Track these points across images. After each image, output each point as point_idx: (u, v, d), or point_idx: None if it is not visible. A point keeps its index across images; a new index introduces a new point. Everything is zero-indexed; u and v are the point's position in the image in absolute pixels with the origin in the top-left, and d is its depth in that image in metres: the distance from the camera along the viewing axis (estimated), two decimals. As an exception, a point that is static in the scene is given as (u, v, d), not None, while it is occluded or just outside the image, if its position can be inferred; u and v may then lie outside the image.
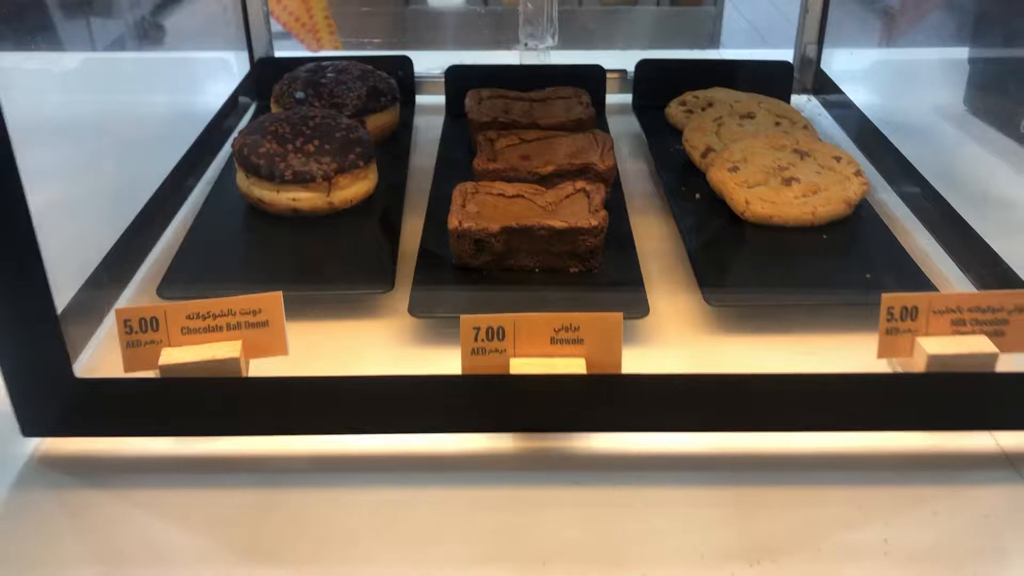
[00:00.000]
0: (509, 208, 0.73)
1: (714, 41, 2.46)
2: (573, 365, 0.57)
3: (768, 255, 0.74)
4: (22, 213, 0.52)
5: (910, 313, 0.59)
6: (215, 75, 1.09)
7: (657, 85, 1.01)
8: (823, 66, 1.10)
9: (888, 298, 0.59)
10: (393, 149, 0.92)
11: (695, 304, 0.71)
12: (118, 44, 1.26)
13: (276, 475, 0.58)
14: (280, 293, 0.59)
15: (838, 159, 0.82)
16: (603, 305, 0.68)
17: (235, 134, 0.98)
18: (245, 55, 1.08)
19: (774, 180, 0.80)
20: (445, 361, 0.61)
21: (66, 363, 0.57)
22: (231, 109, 1.01)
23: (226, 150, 0.95)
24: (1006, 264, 0.70)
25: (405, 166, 0.90)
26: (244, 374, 0.59)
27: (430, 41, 2.18)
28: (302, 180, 0.76)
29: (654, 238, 0.81)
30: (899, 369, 0.61)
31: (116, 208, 0.79)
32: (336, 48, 1.30)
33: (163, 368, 0.58)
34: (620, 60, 1.08)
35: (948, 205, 0.80)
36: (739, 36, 2.68)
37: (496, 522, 0.54)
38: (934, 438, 0.60)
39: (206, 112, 0.98)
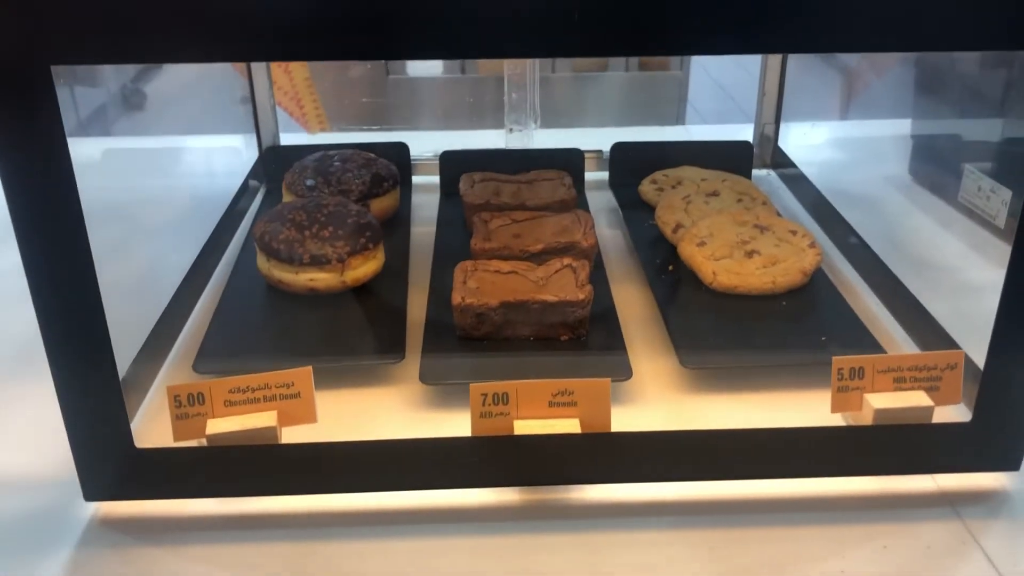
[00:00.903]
0: (505, 283, 0.82)
1: (682, 102, 2.59)
2: (569, 425, 0.66)
3: (734, 321, 0.84)
4: (93, 294, 0.61)
5: (858, 373, 0.69)
6: (227, 160, 1.19)
7: (630, 164, 1.12)
8: (781, 142, 1.21)
9: (839, 360, 0.68)
10: (396, 228, 1.02)
11: (672, 365, 0.80)
12: (140, 130, 1.34)
13: (310, 529, 0.66)
14: (310, 368, 0.68)
15: (794, 232, 0.92)
16: (592, 369, 0.77)
17: (249, 216, 1.08)
18: (253, 139, 1.18)
19: (738, 253, 0.89)
20: (454, 422, 0.69)
21: (127, 434, 0.65)
22: (243, 193, 1.10)
23: (242, 230, 1.04)
24: (939, 325, 0.80)
25: (407, 243, 0.99)
26: (279, 441, 0.67)
27: (415, 115, 2.28)
28: (318, 263, 0.85)
29: (634, 305, 0.90)
30: (851, 422, 0.71)
31: (151, 288, 0.88)
32: (324, 129, 1.41)
33: (209, 437, 0.66)
34: (597, 139, 1.19)
35: (890, 272, 0.90)
36: (706, 96, 2.81)
37: (504, 564, 0.62)
38: (882, 481, 0.69)
39: (221, 194, 1.08)
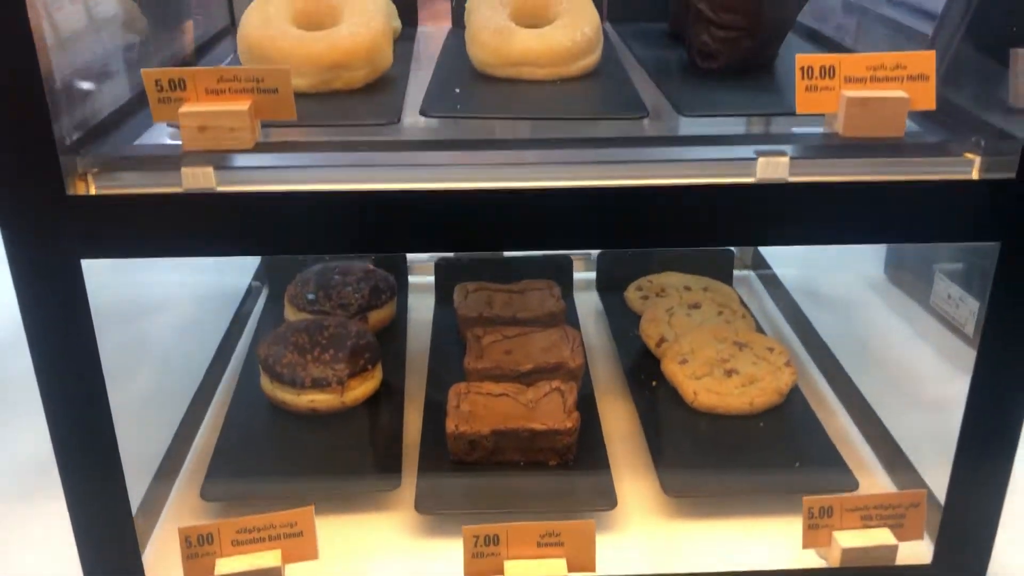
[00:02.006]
0: (496, 407, 0.87)
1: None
2: (556, 566, 0.70)
3: (714, 442, 0.88)
4: (108, 432, 0.66)
5: (827, 511, 0.73)
6: (232, 262, 1.23)
7: (617, 269, 1.17)
8: (760, 247, 1.26)
9: (808, 500, 0.73)
10: (393, 336, 1.06)
11: (655, 488, 0.84)
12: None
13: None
14: (311, 508, 0.72)
15: (771, 349, 0.97)
16: (578, 497, 0.82)
17: (253, 319, 1.13)
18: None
19: (718, 371, 0.94)
20: (449, 549, 0.74)
21: (140, 572, 0.69)
22: (248, 295, 1.16)
23: (246, 337, 1.09)
24: (905, 455, 0.85)
25: (404, 354, 1.04)
26: (284, 577, 0.72)
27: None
28: (319, 385, 0.89)
29: (619, 421, 0.95)
30: (822, 556, 0.75)
31: (162, 407, 0.93)
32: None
33: (218, 577, 0.70)
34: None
35: (860, 394, 0.95)
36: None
37: None
38: (851, 615, 0.73)
39: (227, 296, 1.13)
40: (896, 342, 1.11)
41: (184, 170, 0.63)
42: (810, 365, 1.05)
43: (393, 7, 0.97)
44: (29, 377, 0.64)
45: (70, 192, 0.60)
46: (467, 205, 0.63)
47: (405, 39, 0.96)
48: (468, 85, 0.77)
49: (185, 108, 0.63)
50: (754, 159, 0.65)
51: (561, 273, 1.15)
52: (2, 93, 0.57)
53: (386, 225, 0.64)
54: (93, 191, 0.63)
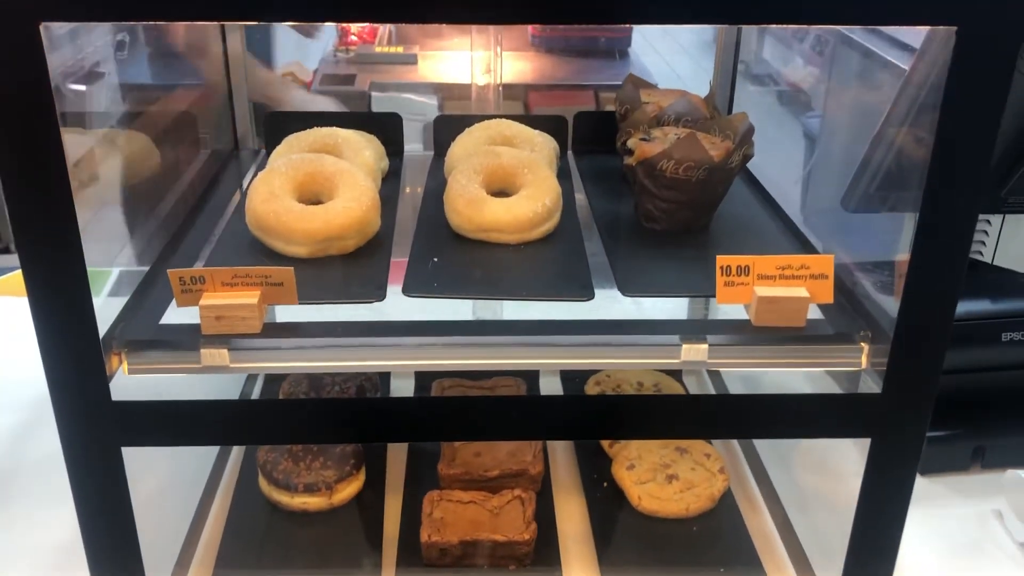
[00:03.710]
0: (464, 514, 1.01)
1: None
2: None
3: (653, 549, 1.01)
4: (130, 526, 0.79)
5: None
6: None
7: (579, 365, 1.30)
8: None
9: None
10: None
11: (600, 592, 0.98)
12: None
13: None
14: (306, 617, 0.86)
15: (708, 456, 1.11)
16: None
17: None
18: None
19: (660, 476, 1.08)
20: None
21: None
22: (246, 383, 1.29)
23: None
24: (807, 559, 1.00)
25: (385, 450, 1.17)
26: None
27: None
28: (310, 490, 1.02)
29: (572, 520, 1.08)
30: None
31: (174, 500, 1.06)
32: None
33: None
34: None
35: (776, 495, 1.09)
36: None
37: None
38: None
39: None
40: (823, 444, 1.25)
41: (203, 351, 0.76)
42: (743, 464, 1.19)
43: (381, 149, 1.10)
44: (56, 457, 0.75)
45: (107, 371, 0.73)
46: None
47: (392, 175, 1.09)
48: (445, 251, 0.90)
49: (204, 301, 0.76)
50: (679, 345, 0.79)
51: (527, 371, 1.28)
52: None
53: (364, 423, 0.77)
54: (125, 368, 0.76)
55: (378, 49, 2.37)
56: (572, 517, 1.09)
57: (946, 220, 0.69)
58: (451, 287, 0.85)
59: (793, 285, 0.79)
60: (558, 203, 0.94)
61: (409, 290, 0.83)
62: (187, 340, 0.77)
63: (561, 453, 1.21)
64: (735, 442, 1.24)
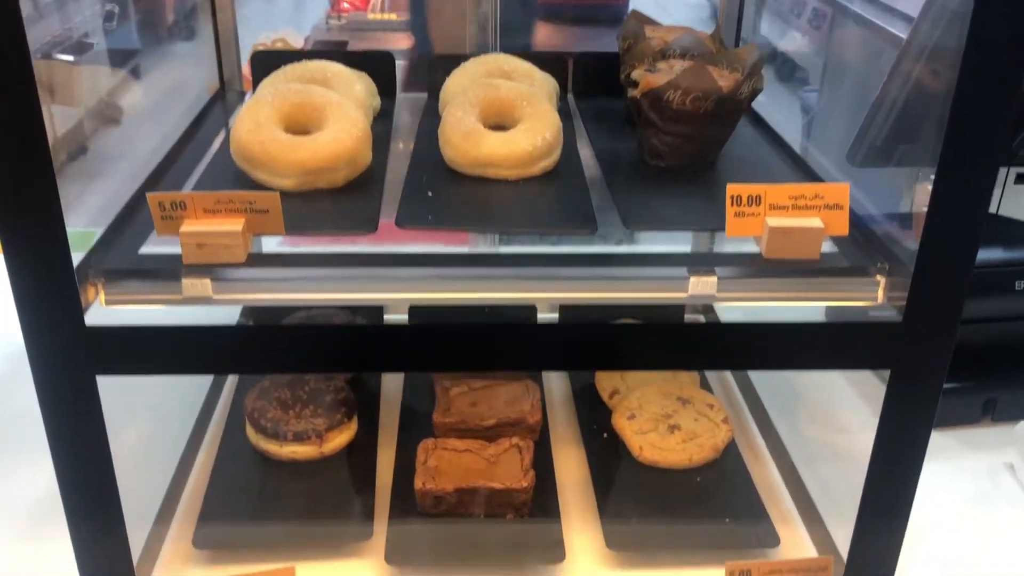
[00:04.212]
0: (460, 463, 0.97)
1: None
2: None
3: (655, 498, 0.98)
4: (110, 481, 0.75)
5: (746, 573, 0.84)
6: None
7: (577, 319, 1.26)
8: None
9: (731, 564, 0.83)
10: (367, 381, 1.15)
11: (601, 541, 0.94)
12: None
13: None
14: (293, 567, 0.82)
15: (711, 406, 1.07)
16: (531, 549, 0.92)
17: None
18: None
19: (662, 426, 1.04)
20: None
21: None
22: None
23: (231, 382, 1.18)
24: (822, 519, 0.96)
25: (377, 399, 1.13)
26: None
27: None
28: (300, 439, 0.98)
29: (572, 470, 1.05)
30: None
31: (154, 454, 1.02)
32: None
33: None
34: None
35: (784, 448, 1.05)
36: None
37: None
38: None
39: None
40: (828, 393, 1.21)
41: (184, 281, 0.72)
42: (747, 416, 1.15)
43: (373, 86, 1.05)
44: (33, 412, 0.71)
45: (82, 301, 0.69)
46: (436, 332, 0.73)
47: (385, 114, 1.04)
48: (440, 186, 0.86)
49: (186, 227, 0.71)
50: (687, 278, 0.75)
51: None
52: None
53: (359, 351, 0.73)
54: (103, 299, 0.72)
55: (371, 16, 2.32)
56: (571, 468, 1.05)
57: (972, 136, 0.65)
58: (447, 219, 0.81)
59: (807, 216, 0.76)
60: (559, 138, 0.90)
61: (402, 222, 0.79)
62: (168, 270, 0.72)
63: (559, 406, 1.17)
64: (739, 395, 1.20)
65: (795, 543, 0.95)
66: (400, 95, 1.12)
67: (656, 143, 0.90)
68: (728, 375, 1.24)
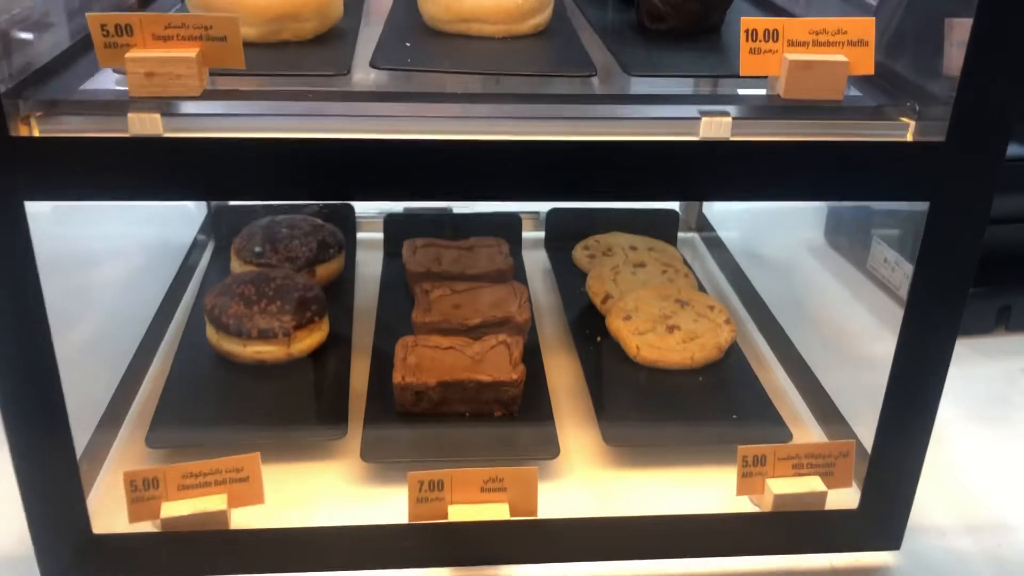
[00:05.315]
0: (443, 360, 0.88)
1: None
2: (499, 511, 0.72)
3: (655, 395, 0.91)
4: (51, 374, 0.66)
5: (760, 460, 0.76)
6: (179, 215, 1.23)
7: (564, 228, 1.19)
8: (705, 208, 1.29)
9: (743, 449, 0.75)
10: (340, 291, 1.07)
11: (596, 439, 0.86)
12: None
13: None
14: (258, 454, 0.73)
15: (712, 308, 1.00)
16: (522, 446, 0.84)
17: (199, 272, 1.12)
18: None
19: (660, 327, 0.96)
20: (393, 497, 0.76)
21: (84, 518, 0.70)
22: (194, 248, 1.15)
23: (192, 290, 1.09)
24: (836, 407, 0.89)
25: (351, 309, 1.04)
26: (229, 522, 0.72)
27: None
28: (266, 336, 0.89)
29: (564, 376, 0.97)
30: (755, 503, 0.78)
31: (105, 355, 0.92)
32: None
33: (164, 521, 0.71)
34: (533, 202, 1.25)
35: (796, 350, 0.98)
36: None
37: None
38: (782, 560, 0.77)
39: (173, 248, 1.13)
40: (833, 303, 1.15)
41: (131, 115, 0.63)
42: (749, 324, 1.08)
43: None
44: None
45: (13, 134, 0.60)
46: (414, 155, 0.64)
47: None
48: (419, 40, 0.77)
49: (132, 54, 0.62)
50: (698, 118, 0.67)
51: (510, 232, 1.16)
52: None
53: (332, 173, 0.64)
54: (37, 134, 0.63)
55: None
56: (563, 372, 0.97)
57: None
58: (429, 62, 0.72)
59: (829, 52, 0.68)
60: (550, -7, 0.82)
61: (378, 62, 0.71)
62: (113, 103, 0.63)
63: (547, 313, 1.09)
64: (739, 305, 1.13)
65: (808, 442, 0.87)
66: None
67: (656, 2, 0.82)
68: (726, 285, 1.17)
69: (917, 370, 0.72)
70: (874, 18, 0.68)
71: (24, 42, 0.75)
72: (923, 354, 0.72)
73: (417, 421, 0.86)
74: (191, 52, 0.63)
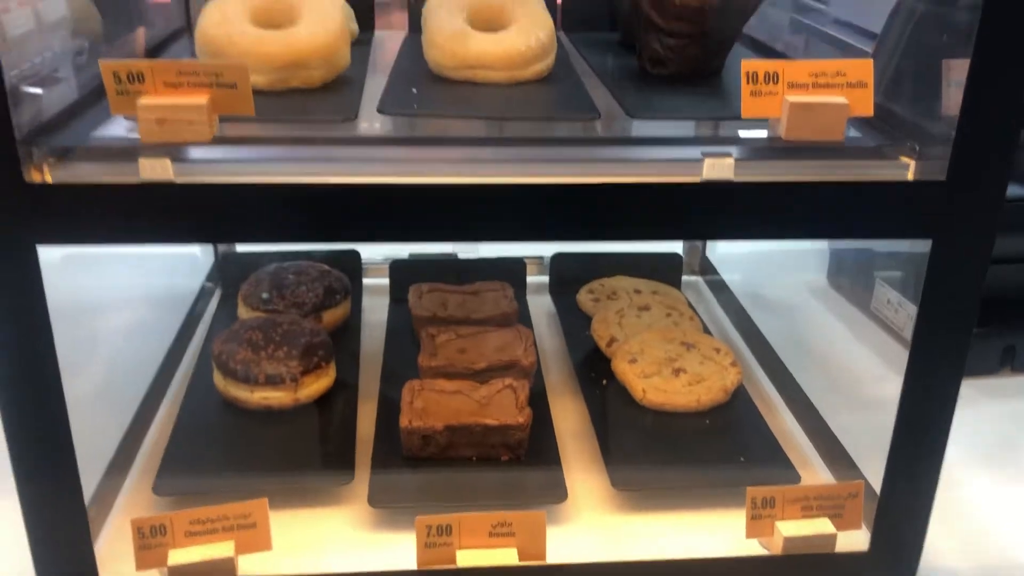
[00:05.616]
0: (449, 404, 0.88)
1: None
2: (507, 555, 0.72)
3: (662, 439, 0.90)
4: (63, 423, 0.66)
5: (769, 502, 0.76)
6: (187, 264, 1.24)
7: (569, 273, 1.19)
8: (708, 251, 1.29)
9: (752, 491, 0.75)
10: (347, 336, 1.07)
11: (604, 483, 0.86)
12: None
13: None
14: (265, 500, 0.72)
15: (717, 350, 1.00)
16: (529, 490, 0.83)
17: (206, 319, 1.13)
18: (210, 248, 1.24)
19: (666, 370, 0.97)
20: (401, 542, 0.75)
21: (92, 565, 0.69)
22: (201, 295, 1.16)
23: (199, 336, 1.09)
24: (844, 449, 0.88)
25: (358, 353, 1.04)
26: (236, 570, 0.72)
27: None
28: (273, 382, 0.89)
29: (570, 419, 0.97)
30: (764, 545, 0.77)
31: (114, 401, 0.93)
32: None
33: (171, 569, 0.70)
34: (538, 247, 1.26)
35: (802, 392, 0.98)
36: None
37: None
38: (791, 601, 0.76)
39: (180, 296, 1.14)
40: (837, 344, 1.15)
41: (142, 161, 0.64)
42: (755, 366, 1.08)
43: (350, 10, 0.99)
44: None
45: (27, 180, 0.61)
46: (421, 199, 0.64)
47: (362, 43, 0.97)
48: (425, 86, 0.79)
49: (144, 100, 0.63)
50: (701, 160, 0.68)
51: (514, 276, 1.17)
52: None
53: (340, 216, 0.65)
54: (49, 180, 0.63)
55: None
56: (569, 415, 0.97)
57: None
58: (435, 107, 0.73)
59: (829, 94, 0.69)
60: (553, 41, 0.83)
61: (385, 108, 0.72)
62: (125, 150, 0.64)
63: (553, 357, 1.09)
64: (744, 347, 1.13)
65: (816, 483, 0.87)
66: (378, 32, 1.05)
67: (658, 48, 0.84)
68: (730, 327, 1.17)
69: (924, 411, 0.72)
70: (872, 60, 0.70)
71: (36, 95, 0.77)
72: (929, 394, 0.72)
73: (424, 466, 0.86)
74: (202, 99, 0.64)
